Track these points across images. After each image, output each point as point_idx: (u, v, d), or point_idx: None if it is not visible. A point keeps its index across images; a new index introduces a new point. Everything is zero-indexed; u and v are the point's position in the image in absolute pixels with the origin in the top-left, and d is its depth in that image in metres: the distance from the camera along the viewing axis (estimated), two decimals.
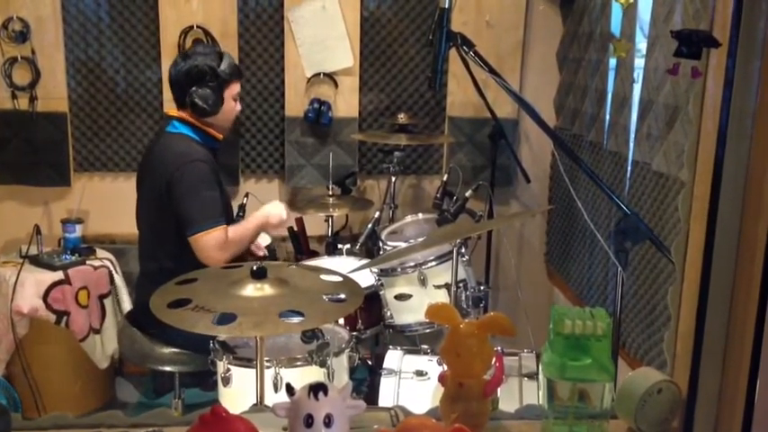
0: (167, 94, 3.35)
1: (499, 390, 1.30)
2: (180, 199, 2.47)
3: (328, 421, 1.00)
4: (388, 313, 2.62)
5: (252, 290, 1.62)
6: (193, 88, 2.54)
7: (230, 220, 2.68)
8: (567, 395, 1.28)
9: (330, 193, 3.17)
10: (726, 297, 1.24)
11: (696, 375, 1.30)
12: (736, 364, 1.23)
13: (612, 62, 2.82)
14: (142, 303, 2.42)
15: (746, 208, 1.21)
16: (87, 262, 3.16)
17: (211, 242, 2.45)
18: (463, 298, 2.53)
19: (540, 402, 1.35)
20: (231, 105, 2.64)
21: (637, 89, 2.56)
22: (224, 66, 2.57)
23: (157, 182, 2.52)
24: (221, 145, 2.72)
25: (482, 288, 2.64)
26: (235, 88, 2.64)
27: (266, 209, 2.70)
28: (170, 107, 3.31)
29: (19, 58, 3.25)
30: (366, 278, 2.59)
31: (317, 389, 1.01)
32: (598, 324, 1.26)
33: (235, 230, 2.56)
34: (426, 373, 2.30)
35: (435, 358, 2.36)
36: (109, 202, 3.47)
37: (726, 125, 1.25)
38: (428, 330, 2.61)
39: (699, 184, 1.33)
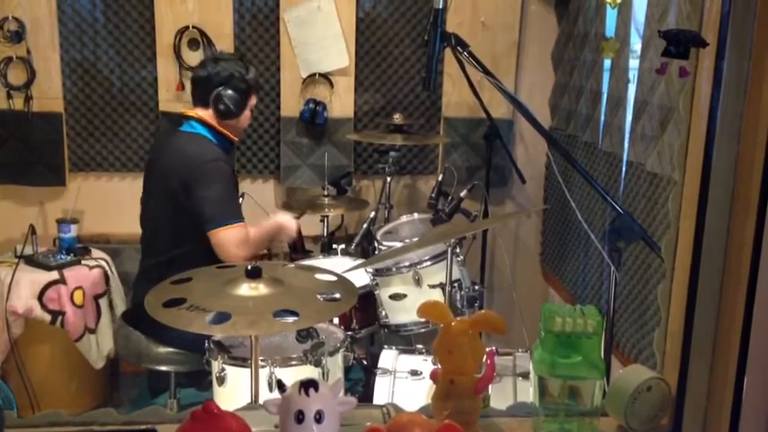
0: (163, 95, 3.37)
1: (494, 389, 1.31)
2: (201, 196, 2.50)
3: (319, 417, 1.00)
4: (383, 313, 2.62)
5: (246, 289, 1.63)
6: (220, 89, 2.61)
7: None
8: (557, 392, 1.29)
9: (325, 193, 3.17)
10: (714, 296, 1.25)
11: (685, 373, 1.31)
12: (725, 361, 1.24)
13: (607, 63, 2.82)
14: (141, 302, 2.42)
15: (734, 207, 1.22)
16: (82, 262, 3.16)
17: (232, 238, 2.49)
18: (458, 298, 2.53)
19: (532, 400, 1.36)
20: (247, 114, 2.72)
21: (631, 90, 2.57)
22: (251, 75, 2.68)
23: (173, 181, 2.54)
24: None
25: (477, 288, 2.63)
26: (254, 99, 2.73)
27: (281, 216, 2.80)
28: (165, 107, 3.35)
29: (14, 58, 3.25)
30: (361, 278, 2.60)
31: (307, 385, 1.01)
32: (588, 322, 1.27)
33: (254, 231, 2.60)
34: (421, 373, 2.30)
35: (430, 358, 2.37)
36: (104, 202, 3.47)
37: (715, 125, 1.26)
38: (423, 330, 2.61)
39: (688, 184, 1.34)
